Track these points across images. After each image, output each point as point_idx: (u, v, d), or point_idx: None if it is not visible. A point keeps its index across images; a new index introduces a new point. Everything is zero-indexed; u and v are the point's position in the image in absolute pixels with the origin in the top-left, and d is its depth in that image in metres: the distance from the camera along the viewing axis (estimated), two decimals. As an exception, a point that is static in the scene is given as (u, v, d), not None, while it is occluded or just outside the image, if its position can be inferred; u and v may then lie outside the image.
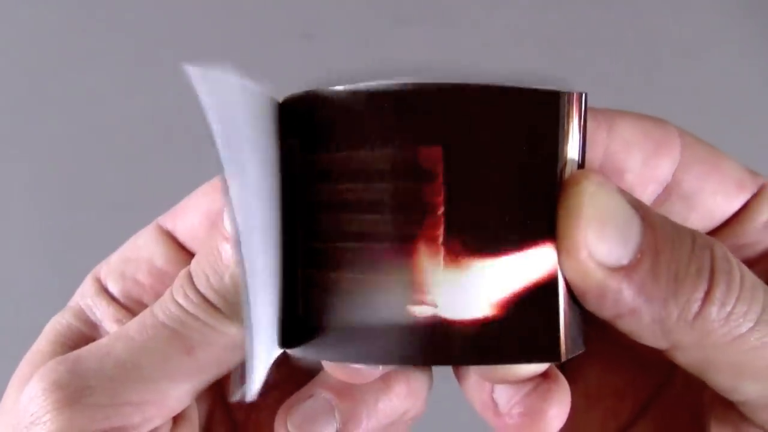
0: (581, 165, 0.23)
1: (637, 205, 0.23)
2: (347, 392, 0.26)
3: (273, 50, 0.69)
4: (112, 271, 0.28)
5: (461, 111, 0.22)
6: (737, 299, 0.22)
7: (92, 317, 0.28)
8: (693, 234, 0.23)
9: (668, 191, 0.25)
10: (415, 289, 0.22)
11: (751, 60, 0.69)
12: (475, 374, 0.25)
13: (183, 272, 0.25)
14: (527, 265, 0.22)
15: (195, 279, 0.25)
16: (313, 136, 0.23)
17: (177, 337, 0.24)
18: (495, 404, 0.24)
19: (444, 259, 0.22)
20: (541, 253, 0.22)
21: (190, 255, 0.27)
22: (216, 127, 0.20)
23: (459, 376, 0.25)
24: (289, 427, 0.26)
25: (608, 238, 0.22)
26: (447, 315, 0.22)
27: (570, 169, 0.23)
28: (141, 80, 0.67)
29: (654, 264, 0.22)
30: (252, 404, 0.24)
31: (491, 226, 0.22)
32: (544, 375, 0.24)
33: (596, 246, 0.22)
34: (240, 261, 0.21)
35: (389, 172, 0.22)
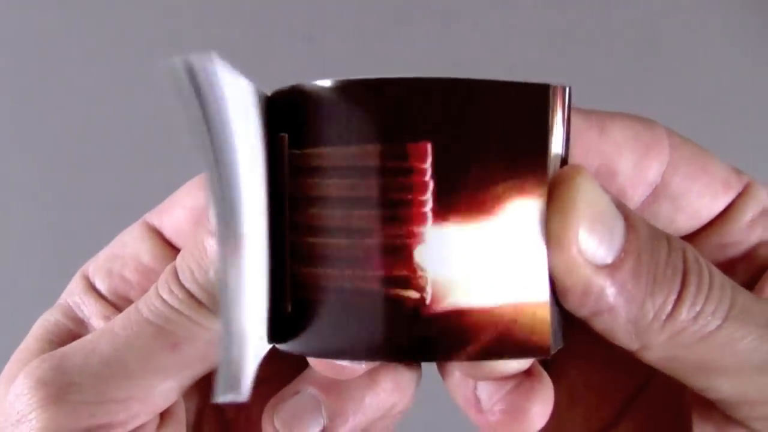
0: (565, 159, 0.23)
1: (619, 205, 0.23)
2: (334, 388, 0.26)
3: (274, 52, 0.69)
4: (99, 268, 0.28)
5: (450, 105, 0.22)
6: (706, 298, 0.22)
7: (80, 314, 0.28)
8: (667, 236, 0.23)
9: (656, 193, 0.25)
10: (402, 285, 0.22)
11: (751, 60, 0.69)
12: (458, 370, 0.25)
13: (168, 268, 0.25)
14: (515, 260, 0.22)
15: (180, 274, 0.25)
16: (301, 130, 0.23)
17: (161, 333, 0.24)
18: (478, 401, 0.24)
19: (432, 254, 0.22)
20: (530, 248, 0.22)
21: (176, 251, 0.27)
22: (201, 120, 0.21)
23: (443, 372, 0.25)
24: (276, 424, 0.26)
25: (597, 236, 0.22)
26: (433, 311, 0.22)
27: (556, 164, 0.23)
28: (141, 80, 0.67)
29: (636, 264, 0.22)
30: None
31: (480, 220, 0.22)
32: (528, 372, 0.24)
33: (586, 243, 0.22)
34: (222, 257, 0.21)
35: (376, 167, 0.22)
